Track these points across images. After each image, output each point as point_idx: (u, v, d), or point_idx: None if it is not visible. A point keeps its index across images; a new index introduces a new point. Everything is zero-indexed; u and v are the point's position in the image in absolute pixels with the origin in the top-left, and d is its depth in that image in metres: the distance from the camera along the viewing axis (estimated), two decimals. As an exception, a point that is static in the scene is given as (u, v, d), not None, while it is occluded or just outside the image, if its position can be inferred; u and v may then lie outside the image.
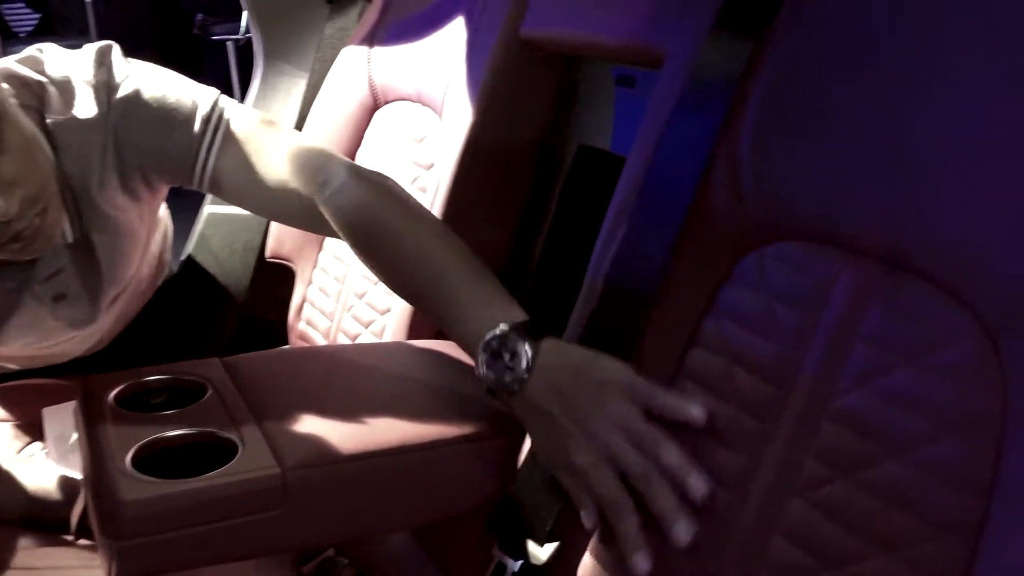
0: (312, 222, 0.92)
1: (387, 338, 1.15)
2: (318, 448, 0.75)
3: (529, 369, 0.71)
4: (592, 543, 0.75)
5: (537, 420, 0.72)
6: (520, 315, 0.76)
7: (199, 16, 4.14)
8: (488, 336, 0.73)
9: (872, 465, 0.58)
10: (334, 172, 0.89)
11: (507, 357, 0.72)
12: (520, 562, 0.78)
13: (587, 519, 0.70)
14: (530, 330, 0.73)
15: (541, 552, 0.77)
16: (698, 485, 0.65)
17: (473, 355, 0.75)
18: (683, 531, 0.65)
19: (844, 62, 0.66)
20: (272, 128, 0.96)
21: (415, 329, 1.11)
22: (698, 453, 0.68)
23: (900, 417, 0.57)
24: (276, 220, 1.30)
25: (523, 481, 0.79)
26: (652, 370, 0.73)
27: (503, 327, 0.73)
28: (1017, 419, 0.52)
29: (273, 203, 0.94)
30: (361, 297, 1.22)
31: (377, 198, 0.88)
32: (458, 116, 1.12)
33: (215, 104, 0.95)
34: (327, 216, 0.89)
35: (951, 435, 0.54)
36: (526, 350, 0.72)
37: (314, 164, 0.91)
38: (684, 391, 0.71)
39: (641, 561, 0.66)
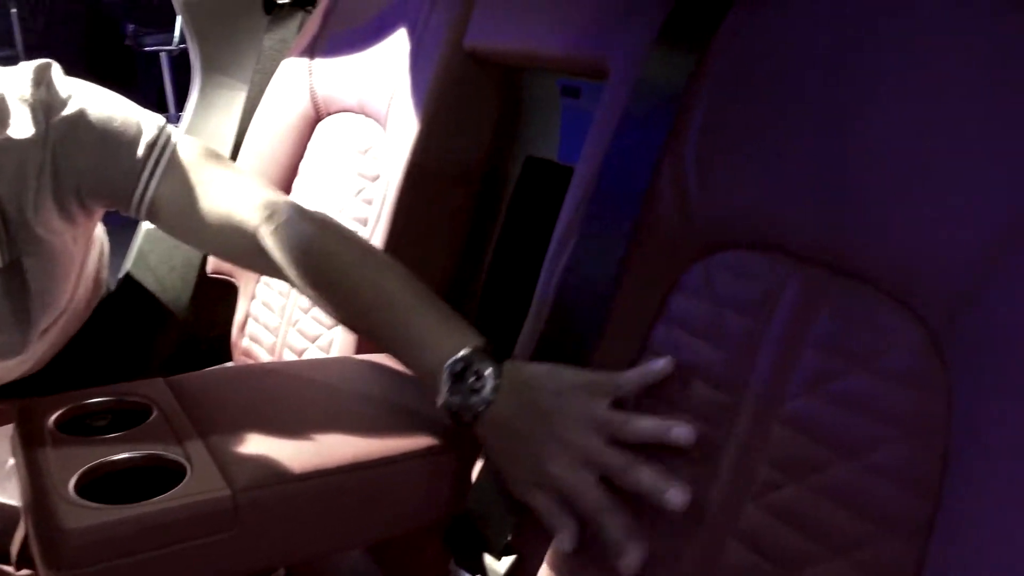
0: (251, 258, 0.90)
1: (334, 352, 1.14)
2: (269, 468, 0.74)
3: (496, 390, 0.71)
4: (550, 555, 0.74)
5: (504, 440, 0.72)
6: (479, 339, 0.76)
7: (130, 27, 4.06)
8: (451, 360, 0.73)
9: (824, 469, 0.59)
10: (279, 207, 0.88)
11: (471, 380, 0.72)
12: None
13: (566, 541, 0.69)
14: (492, 352, 0.73)
15: (498, 566, 0.76)
16: (681, 433, 0.65)
17: (434, 382, 0.74)
18: (678, 497, 0.64)
19: (784, 75, 0.68)
20: (218, 161, 0.94)
21: (363, 343, 1.10)
22: (653, 460, 0.69)
23: (850, 421, 0.58)
24: (214, 254, 1.28)
25: (478, 494, 0.79)
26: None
27: (466, 351, 0.73)
28: (961, 422, 0.53)
29: (212, 236, 0.92)
30: (307, 311, 1.21)
31: (323, 232, 0.87)
32: (403, 128, 1.12)
33: (161, 130, 0.93)
34: (272, 250, 0.87)
35: (899, 438, 0.56)
36: (491, 372, 0.72)
37: (259, 199, 0.89)
38: (636, 400, 0.72)
39: (634, 555, 0.65)
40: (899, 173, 0.58)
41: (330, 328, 1.16)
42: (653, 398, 0.71)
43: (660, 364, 0.69)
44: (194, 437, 0.77)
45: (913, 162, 0.58)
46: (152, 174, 0.91)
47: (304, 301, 1.22)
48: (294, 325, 1.23)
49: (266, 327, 1.29)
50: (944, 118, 0.57)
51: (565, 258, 0.78)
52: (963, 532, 0.51)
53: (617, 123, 0.78)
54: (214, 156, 0.95)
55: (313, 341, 1.19)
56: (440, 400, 0.74)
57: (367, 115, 1.21)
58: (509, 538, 0.76)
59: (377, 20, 1.23)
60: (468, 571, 0.78)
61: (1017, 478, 0.49)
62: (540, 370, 0.73)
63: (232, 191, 0.90)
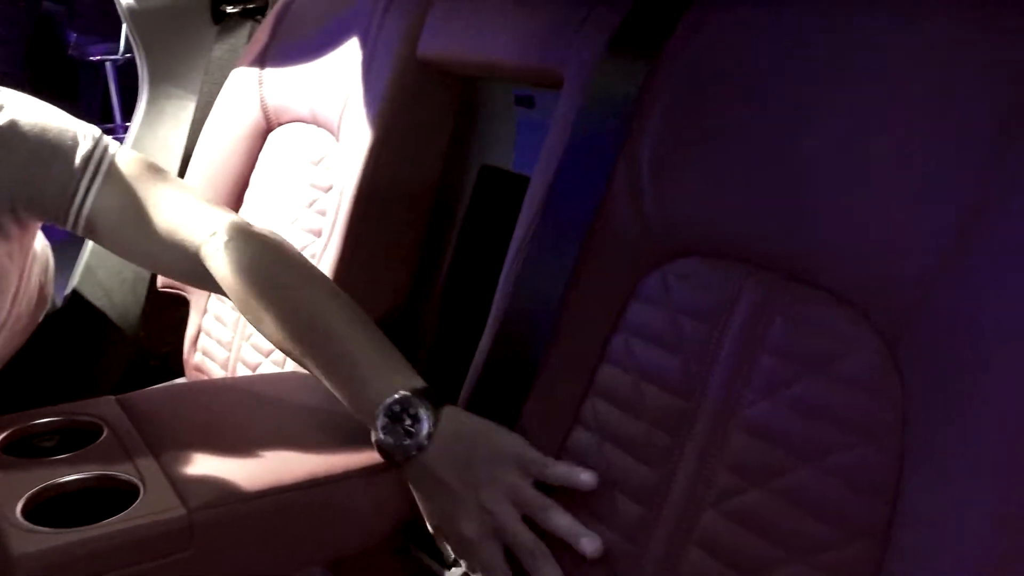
0: (194, 276, 0.87)
1: (289, 367, 1.12)
2: (224, 486, 0.73)
3: (430, 436, 0.71)
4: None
5: (430, 488, 0.72)
6: (419, 381, 0.74)
7: (73, 36, 3.97)
8: (388, 400, 0.72)
9: (782, 474, 0.59)
10: (224, 225, 0.85)
11: (407, 422, 0.71)
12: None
13: None
14: (431, 397, 0.73)
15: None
16: (589, 546, 0.66)
17: (369, 419, 0.73)
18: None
19: (735, 82, 0.68)
20: (159, 176, 0.91)
21: (319, 356, 1.09)
22: (612, 470, 0.69)
23: (807, 426, 0.59)
24: (155, 271, 1.24)
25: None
26: (563, 389, 0.74)
27: (404, 392, 0.72)
28: (915, 425, 0.54)
29: (154, 253, 0.88)
30: (261, 325, 1.19)
31: (268, 254, 0.84)
32: (356, 138, 1.11)
33: (97, 142, 0.89)
34: (213, 270, 0.84)
35: (856, 442, 0.56)
36: (428, 416, 0.71)
37: (203, 216, 0.86)
38: (595, 408, 0.72)
39: None
40: (849, 180, 0.59)
41: (285, 341, 1.14)
42: (611, 404, 0.71)
43: (585, 478, 0.69)
44: (147, 456, 0.75)
45: (862, 169, 0.59)
46: (89, 188, 0.88)
47: (258, 314, 1.20)
48: (248, 339, 1.21)
49: (219, 342, 1.27)
50: (891, 126, 0.58)
51: (518, 268, 0.78)
52: (919, 533, 0.52)
53: (571, 132, 0.78)
54: (155, 170, 0.91)
55: (267, 355, 1.17)
56: (374, 437, 0.73)
57: (319, 125, 1.20)
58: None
59: (329, 29, 1.22)
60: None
61: (970, 479, 0.50)
62: (478, 428, 0.73)
63: (174, 207, 0.87)
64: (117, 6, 1.42)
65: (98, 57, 3.92)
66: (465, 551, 0.70)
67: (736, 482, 0.62)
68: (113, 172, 0.89)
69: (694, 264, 0.69)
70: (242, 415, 0.86)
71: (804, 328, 0.61)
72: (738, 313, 0.65)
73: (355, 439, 0.82)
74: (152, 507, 0.69)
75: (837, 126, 0.61)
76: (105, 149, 0.89)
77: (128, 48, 1.48)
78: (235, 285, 0.83)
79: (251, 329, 1.20)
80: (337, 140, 1.16)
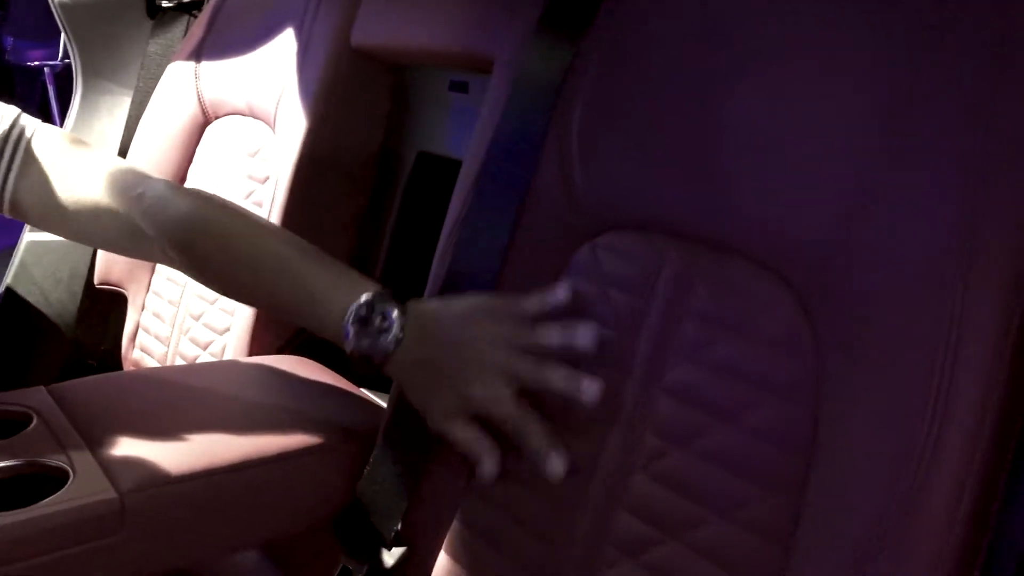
0: (131, 244, 0.86)
1: (227, 358, 1.12)
2: (156, 469, 0.72)
3: (403, 328, 0.71)
4: (448, 544, 0.75)
5: (420, 375, 0.73)
6: (378, 285, 0.75)
7: (9, 40, 3.89)
8: (355, 306, 0.72)
9: (704, 435, 0.61)
10: (150, 184, 0.84)
11: (378, 322, 0.72)
12: (367, 567, 0.77)
13: (488, 465, 0.70)
14: (392, 295, 0.74)
15: (390, 556, 0.76)
16: (589, 389, 0.66)
17: (339, 332, 0.73)
18: (592, 389, 0.66)
19: (655, 60, 0.70)
20: (80, 147, 0.89)
21: (256, 346, 1.08)
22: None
23: (727, 387, 0.60)
24: (92, 244, 1.22)
25: (366, 484, 0.79)
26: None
27: (367, 295, 0.73)
28: (829, 382, 0.56)
29: (85, 226, 0.87)
30: (198, 318, 1.18)
31: (200, 204, 0.83)
32: (292, 128, 1.11)
33: (15, 122, 0.88)
34: (149, 230, 0.83)
35: (773, 400, 0.58)
36: (396, 312, 0.72)
37: (127, 180, 0.85)
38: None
39: (556, 462, 0.67)
40: (760, 148, 0.61)
41: (222, 333, 1.14)
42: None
43: (560, 293, 0.70)
44: (78, 443, 0.74)
45: (772, 137, 0.61)
46: (9, 167, 0.86)
47: (196, 307, 1.19)
48: (186, 333, 1.20)
49: (157, 337, 1.26)
50: (799, 96, 0.60)
51: (451, 250, 0.79)
52: (833, 485, 0.54)
53: (501, 114, 0.79)
54: (76, 142, 0.89)
55: (205, 348, 1.16)
56: (349, 347, 0.73)
57: (256, 117, 1.20)
58: (399, 527, 0.76)
59: (263, 21, 1.22)
60: (359, 562, 0.77)
61: (877, 429, 0.52)
62: (442, 302, 0.74)
63: (98, 175, 0.85)
64: (50, 1, 1.40)
65: (36, 63, 3.84)
66: (481, 412, 0.70)
67: (662, 445, 0.63)
68: (33, 149, 0.87)
69: (621, 237, 0.71)
70: (176, 402, 0.86)
71: (723, 293, 0.62)
72: (662, 282, 0.66)
73: (291, 422, 0.82)
74: (82, 491, 0.68)
75: (750, 97, 0.63)
76: (23, 128, 0.88)
77: (68, 53, 1.46)
78: (175, 235, 0.81)
79: (189, 323, 1.20)
80: (273, 132, 1.15)
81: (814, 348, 0.56)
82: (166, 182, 0.85)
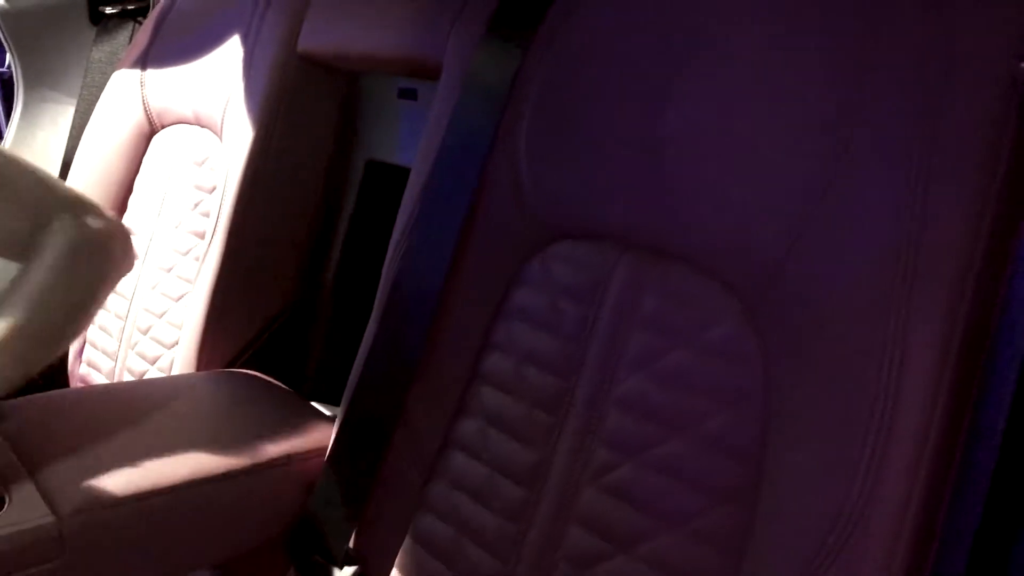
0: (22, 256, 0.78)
1: (176, 372, 1.09)
2: (97, 491, 0.70)
3: None
4: (399, 560, 0.73)
5: None
6: None
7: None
8: None
9: (655, 445, 0.60)
10: (60, 223, 0.76)
11: None
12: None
13: None
14: None
15: (341, 575, 0.75)
16: None
17: None
18: None
19: (602, 67, 0.69)
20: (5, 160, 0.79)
21: (205, 360, 1.06)
22: (496, 455, 0.69)
23: (676, 397, 0.60)
24: None
25: (317, 499, 0.77)
26: (448, 378, 0.73)
27: None
28: (777, 392, 0.55)
29: None
30: (146, 332, 1.16)
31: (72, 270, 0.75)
32: (239, 136, 1.08)
33: None
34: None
35: (722, 410, 0.57)
36: None
37: (45, 204, 0.77)
38: (480, 395, 0.72)
39: None
40: (706, 157, 0.61)
41: (170, 347, 1.11)
42: (495, 389, 0.71)
43: None
44: (16, 466, 0.72)
45: (718, 146, 0.60)
46: None
47: (144, 321, 1.16)
48: (134, 347, 1.17)
49: (104, 352, 1.23)
50: (745, 104, 0.60)
51: (399, 259, 0.78)
52: (783, 491, 0.53)
53: (449, 122, 0.78)
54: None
55: (154, 362, 1.13)
56: None
57: (202, 126, 1.17)
58: (350, 545, 0.74)
59: (209, 28, 1.19)
60: (310, 580, 0.76)
61: (824, 436, 0.51)
62: None
63: (19, 188, 0.77)
64: (-12, 8, 1.36)
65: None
66: None
67: (612, 457, 0.62)
68: None
69: (571, 246, 0.70)
70: (121, 421, 0.83)
71: (672, 302, 0.62)
72: (611, 292, 0.66)
73: (240, 438, 0.80)
74: (18, 516, 0.66)
75: (695, 105, 0.62)
76: None
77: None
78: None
79: (137, 337, 1.17)
80: (221, 140, 1.13)
81: (762, 358, 0.56)
82: (79, 227, 0.78)
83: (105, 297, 0.80)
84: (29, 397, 0.91)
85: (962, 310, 0.50)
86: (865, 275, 0.52)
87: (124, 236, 0.82)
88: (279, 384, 0.97)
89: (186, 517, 0.74)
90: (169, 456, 0.76)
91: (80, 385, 1.26)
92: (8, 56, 1.38)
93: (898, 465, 0.49)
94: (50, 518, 0.66)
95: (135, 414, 0.85)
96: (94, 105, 1.34)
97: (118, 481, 0.71)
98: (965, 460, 0.53)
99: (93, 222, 0.79)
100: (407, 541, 0.73)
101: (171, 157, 1.21)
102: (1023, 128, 0.51)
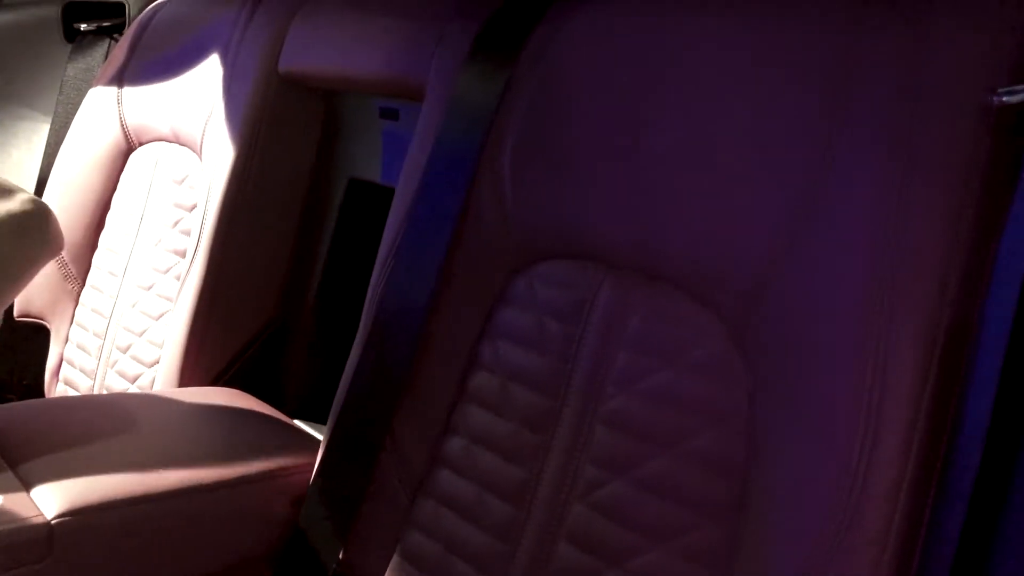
0: None
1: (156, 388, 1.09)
2: (86, 495, 0.70)
3: None
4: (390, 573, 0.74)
5: None
6: None
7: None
8: None
9: (642, 463, 0.61)
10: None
11: None
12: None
13: None
14: None
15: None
16: None
17: None
18: None
19: (586, 88, 0.71)
20: None
21: (186, 380, 1.06)
22: (483, 473, 0.69)
23: (662, 414, 0.61)
24: None
25: (305, 519, 0.77)
26: (435, 396, 0.74)
27: None
28: (762, 409, 0.57)
29: None
30: (126, 351, 1.15)
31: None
32: (219, 155, 1.09)
33: None
34: None
35: (708, 426, 0.59)
36: None
37: None
38: (466, 414, 0.73)
39: None
40: (690, 178, 0.62)
41: (151, 366, 1.11)
42: (482, 408, 0.72)
43: None
44: (4, 469, 0.72)
45: (702, 167, 0.62)
46: None
47: (123, 340, 1.16)
48: (113, 366, 1.17)
49: (82, 371, 1.22)
50: (727, 124, 0.61)
51: (385, 279, 0.78)
52: (768, 508, 0.55)
53: (433, 142, 0.79)
54: None
55: (134, 381, 1.13)
56: None
57: (181, 144, 1.17)
58: (338, 563, 0.75)
59: (188, 46, 1.19)
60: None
61: (809, 453, 0.53)
62: None
63: None
64: (-39, 25, 1.35)
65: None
66: None
67: (599, 474, 0.63)
68: None
69: (556, 266, 0.71)
70: (108, 429, 0.83)
71: (657, 322, 0.63)
72: (596, 312, 0.67)
73: (225, 454, 0.80)
74: (7, 516, 0.66)
75: (679, 126, 0.63)
76: None
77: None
78: None
79: (116, 355, 1.16)
80: (200, 158, 1.13)
81: (746, 375, 0.57)
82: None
83: (28, 279, 0.79)
84: (17, 403, 0.90)
85: (942, 323, 0.51)
86: (846, 294, 0.54)
87: (46, 218, 0.81)
88: (262, 403, 0.97)
89: (171, 526, 0.74)
90: (157, 464, 0.76)
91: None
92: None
93: (884, 478, 0.51)
94: (40, 519, 0.67)
95: (120, 423, 0.85)
96: (69, 123, 1.33)
97: (107, 486, 0.72)
98: (948, 460, 0.55)
99: (11, 204, 0.79)
100: (395, 559, 0.73)
101: (149, 175, 1.21)
102: (996, 150, 0.53)
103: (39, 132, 1.41)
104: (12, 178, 1.37)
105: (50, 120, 1.39)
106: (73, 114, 1.33)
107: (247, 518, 0.79)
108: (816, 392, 0.53)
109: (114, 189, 1.26)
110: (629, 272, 0.65)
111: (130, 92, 1.25)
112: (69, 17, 1.43)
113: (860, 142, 0.55)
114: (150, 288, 1.14)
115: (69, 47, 1.41)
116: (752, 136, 0.59)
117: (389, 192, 0.85)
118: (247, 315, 1.10)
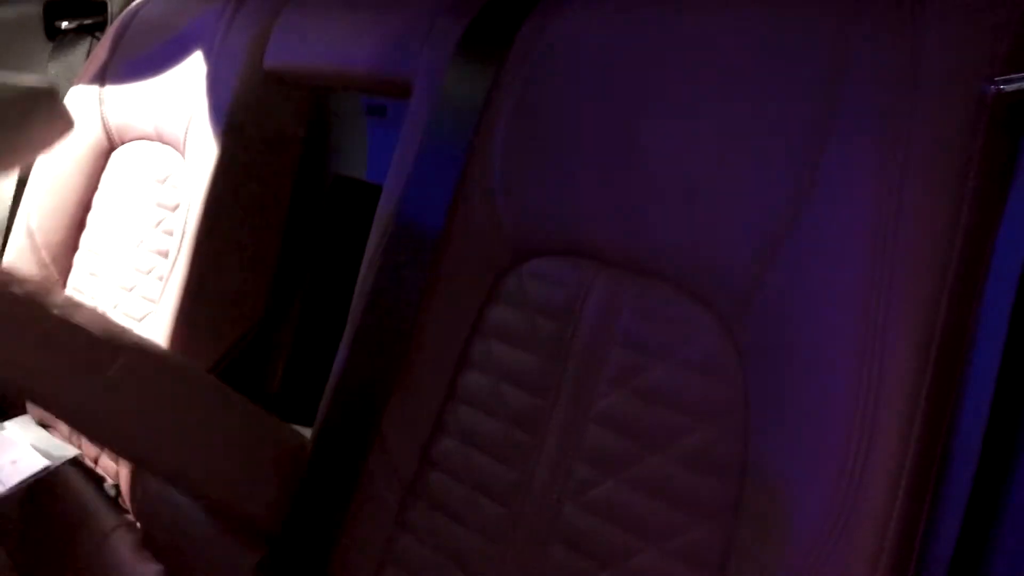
0: None
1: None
2: None
3: None
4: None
5: None
6: None
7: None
8: None
9: (635, 462, 0.60)
10: None
11: None
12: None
13: None
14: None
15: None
16: None
17: None
18: None
19: (575, 84, 0.70)
20: None
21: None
22: (475, 474, 0.68)
23: (656, 413, 0.60)
24: None
25: (293, 522, 0.76)
26: (424, 396, 0.73)
27: None
28: (756, 404, 0.56)
29: None
30: (108, 352, 1.13)
31: None
32: (203, 153, 1.07)
33: None
34: None
35: (702, 425, 0.58)
36: None
37: None
38: (457, 414, 0.72)
39: None
40: (682, 173, 0.61)
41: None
42: (473, 408, 0.71)
43: None
44: None
45: (694, 162, 0.61)
46: None
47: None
48: (95, 368, 1.15)
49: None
50: (719, 120, 0.61)
51: (372, 278, 0.77)
52: (766, 507, 0.54)
53: (421, 140, 0.78)
54: None
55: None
56: None
57: (164, 142, 1.16)
58: (328, 569, 0.74)
59: (171, 44, 1.18)
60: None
61: (807, 452, 0.52)
62: None
63: None
64: (-61, 22, 1.33)
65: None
66: None
67: (592, 474, 0.62)
68: None
69: (547, 263, 0.70)
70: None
71: (649, 319, 0.62)
72: (589, 309, 0.66)
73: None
74: None
75: (670, 121, 0.63)
76: None
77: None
78: None
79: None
80: (183, 157, 1.12)
81: (740, 373, 0.57)
82: None
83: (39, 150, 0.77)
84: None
85: (939, 322, 0.51)
86: (839, 288, 0.53)
87: (55, 95, 0.80)
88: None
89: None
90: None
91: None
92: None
93: (880, 474, 0.50)
94: None
95: None
96: (50, 121, 1.31)
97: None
98: (945, 460, 0.54)
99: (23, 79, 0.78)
100: (385, 562, 0.72)
101: (131, 174, 1.20)
102: (991, 147, 0.52)
103: (19, 131, 1.38)
104: (-9, 178, 1.35)
105: (30, 119, 1.37)
106: (54, 113, 1.31)
107: (232, 522, 0.77)
108: (811, 391, 0.52)
109: (95, 188, 1.25)
110: (620, 269, 0.65)
111: (112, 91, 1.23)
112: (51, 15, 1.41)
113: (854, 139, 0.54)
114: (132, 289, 1.12)
115: (51, 45, 1.39)
116: (743, 133, 0.59)
117: (375, 190, 0.84)
118: (231, 316, 1.08)
